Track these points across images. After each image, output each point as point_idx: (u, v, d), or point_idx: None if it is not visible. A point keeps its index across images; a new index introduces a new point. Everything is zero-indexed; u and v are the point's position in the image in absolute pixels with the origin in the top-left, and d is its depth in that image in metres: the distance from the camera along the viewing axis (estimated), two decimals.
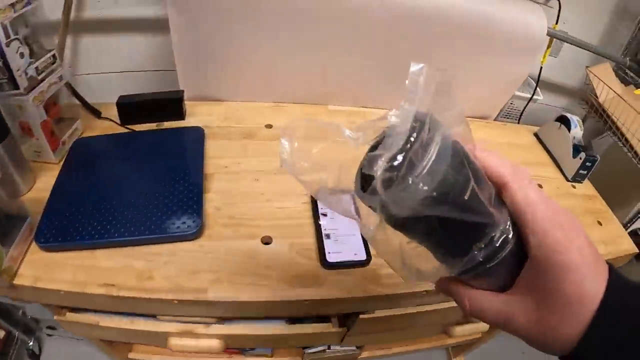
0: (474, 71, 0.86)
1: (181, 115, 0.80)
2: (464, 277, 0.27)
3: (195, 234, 0.56)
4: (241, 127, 0.78)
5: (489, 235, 0.24)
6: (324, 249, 0.56)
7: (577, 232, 0.25)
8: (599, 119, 0.98)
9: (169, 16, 0.71)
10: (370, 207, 0.24)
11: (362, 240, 0.58)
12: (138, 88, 0.90)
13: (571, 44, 0.89)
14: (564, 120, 0.90)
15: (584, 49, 0.91)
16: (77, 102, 0.77)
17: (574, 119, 0.89)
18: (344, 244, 0.57)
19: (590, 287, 0.24)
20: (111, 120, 0.77)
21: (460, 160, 0.23)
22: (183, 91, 0.79)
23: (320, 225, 0.59)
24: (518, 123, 1.04)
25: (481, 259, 0.25)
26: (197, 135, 0.73)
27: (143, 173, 0.64)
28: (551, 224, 0.24)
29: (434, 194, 0.21)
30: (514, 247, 0.25)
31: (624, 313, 0.24)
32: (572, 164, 0.85)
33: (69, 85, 0.73)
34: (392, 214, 0.23)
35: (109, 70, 0.91)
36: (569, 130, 0.88)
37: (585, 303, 0.24)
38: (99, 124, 0.76)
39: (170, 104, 0.78)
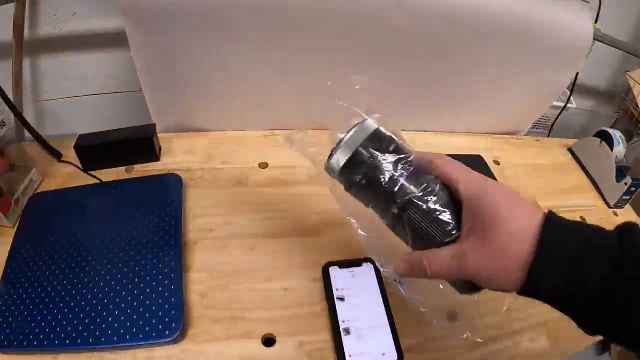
0: (506, 82, 0.71)
1: (155, 156, 0.65)
2: (418, 246, 0.33)
3: (176, 339, 0.43)
4: (229, 168, 0.64)
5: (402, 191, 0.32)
6: (343, 349, 0.44)
7: (497, 183, 0.32)
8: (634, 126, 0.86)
9: (126, 31, 0.55)
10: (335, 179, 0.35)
11: (391, 334, 0.45)
12: (111, 112, 0.76)
13: (611, 45, 0.75)
14: (604, 136, 0.77)
15: (625, 51, 0.77)
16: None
17: (617, 136, 0.77)
18: (369, 341, 0.44)
19: (523, 215, 0.28)
20: (73, 164, 0.62)
21: (377, 140, 0.33)
22: (154, 126, 0.64)
23: (337, 315, 0.46)
24: (549, 135, 0.91)
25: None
26: (174, 186, 0.59)
27: (109, 247, 0.51)
28: (475, 179, 0.32)
29: (345, 161, 0.33)
30: (448, 200, 0.32)
31: (564, 233, 0.27)
32: (615, 189, 0.74)
33: (21, 120, 0.58)
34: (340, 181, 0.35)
35: (76, 93, 0.77)
36: (612, 148, 0.76)
37: (524, 230, 0.28)
38: (60, 169, 0.62)
39: (140, 144, 0.64)
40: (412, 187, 0.32)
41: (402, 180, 0.32)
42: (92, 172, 0.63)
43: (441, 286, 0.35)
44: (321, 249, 0.53)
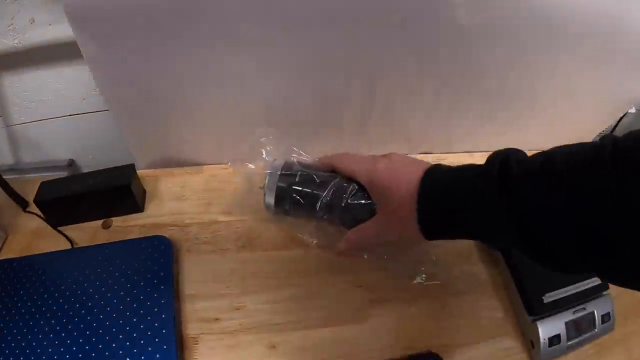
0: (582, 89, 0.59)
1: (136, 207, 0.52)
2: (347, 227, 0.42)
3: None
4: (234, 220, 0.52)
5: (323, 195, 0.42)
6: None
7: (383, 161, 0.38)
8: None
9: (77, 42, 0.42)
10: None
11: None
12: (96, 133, 0.62)
13: None
14: None
15: None
16: None
17: None
18: None
19: (406, 172, 0.35)
20: (40, 216, 0.51)
21: (289, 171, 0.44)
22: (133, 168, 0.51)
23: None
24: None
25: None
26: (162, 253, 0.47)
27: (79, 346, 0.40)
28: (365, 165, 0.40)
29: (273, 200, 0.44)
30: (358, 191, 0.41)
31: (437, 177, 0.34)
32: None
33: None
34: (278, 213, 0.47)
35: (51, 114, 0.63)
36: None
37: (404, 182, 0.35)
38: (26, 222, 0.51)
39: (117, 193, 0.51)
40: (324, 193, 0.42)
41: (315, 192, 0.42)
42: (63, 228, 0.51)
43: None
44: (370, 341, 0.43)
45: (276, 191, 0.43)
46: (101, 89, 0.48)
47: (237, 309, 0.44)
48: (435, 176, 0.34)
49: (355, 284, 0.47)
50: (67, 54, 0.54)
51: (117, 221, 0.52)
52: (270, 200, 0.44)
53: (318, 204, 0.42)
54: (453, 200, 0.31)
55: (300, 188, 0.42)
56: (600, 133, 0.75)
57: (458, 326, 0.44)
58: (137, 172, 0.54)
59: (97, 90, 0.59)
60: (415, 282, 0.44)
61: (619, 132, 0.77)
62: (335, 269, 0.48)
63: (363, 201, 0.40)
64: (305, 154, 0.46)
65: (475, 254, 0.50)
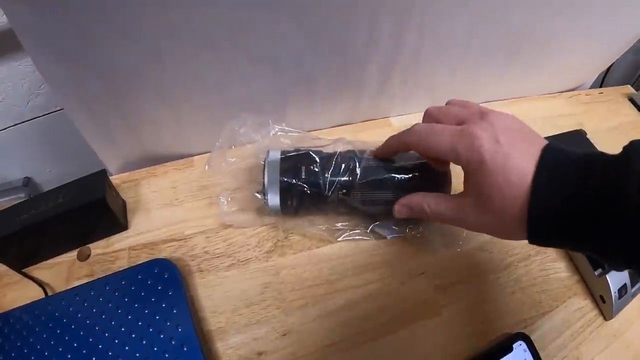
0: (572, 32, 0.51)
1: (117, 224, 0.40)
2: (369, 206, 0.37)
3: None
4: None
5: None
6: None
7: (490, 140, 0.27)
8: None
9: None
10: None
11: None
12: (44, 144, 0.47)
13: None
14: None
15: None
16: None
17: None
18: None
19: (516, 166, 0.26)
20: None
21: (287, 162, 0.36)
22: (104, 175, 0.39)
23: None
24: (602, 83, 0.75)
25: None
26: (169, 282, 0.36)
27: None
28: (465, 145, 0.28)
29: (278, 199, 0.36)
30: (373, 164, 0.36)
31: (558, 175, 0.25)
32: None
33: None
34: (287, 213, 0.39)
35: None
36: None
37: (513, 182, 0.26)
38: None
39: (88, 212, 0.38)
40: (337, 177, 0.35)
41: (327, 177, 0.35)
42: (31, 268, 0.38)
43: None
44: (447, 334, 0.36)
45: (280, 186, 0.35)
46: (47, 78, 0.34)
47: (283, 335, 0.34)
48: (555, 173, 0.25)
49: (416, 272, 0.38)
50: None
51: (97, 248, 0.39)
52: (275, 198, 0.36)
53: (327, 188, 0.35)
54: (577, 210, 0.24)
55: (305, 177, 0.35)
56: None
57: (529, 297, 0.39)
58: (111, 179, 0.41)
59: (43, 87, 0.44)
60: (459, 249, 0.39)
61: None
62: (390, 258, 0.38)
63: (381, 176, 0.35)
64: (296, 130, 0.38)
65: None
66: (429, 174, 0.35)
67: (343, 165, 0.35)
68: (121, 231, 0.40)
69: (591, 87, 0.67)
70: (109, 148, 0.42)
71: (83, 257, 0.39)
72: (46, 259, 0.39)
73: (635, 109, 0.64)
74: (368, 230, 0.39)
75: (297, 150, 0.37)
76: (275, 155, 0.36)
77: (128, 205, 0.41)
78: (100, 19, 0.30)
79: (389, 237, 0.39)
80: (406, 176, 0.35)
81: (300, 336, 0.34)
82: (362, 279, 0.37)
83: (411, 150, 0.33)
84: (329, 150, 0.38)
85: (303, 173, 0.35)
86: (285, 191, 0.35)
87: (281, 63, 0.38)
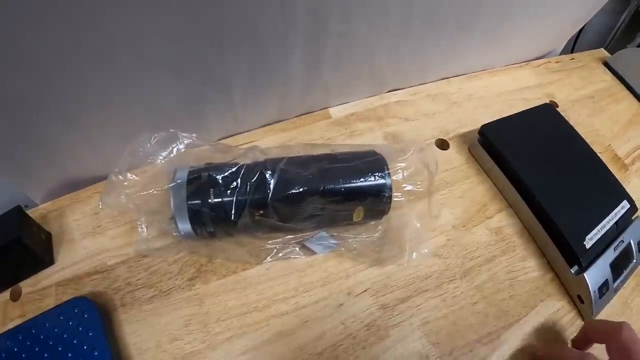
0: None
1: (41, 262, 0.38)
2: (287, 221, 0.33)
3: None
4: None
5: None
6: None
7: None
8: None
9: None
10: None
11: None
12: None
13: None
14: None
15: None
16: None
17: None
18: None
19: None
20: None
21: (195, 184, 0.31)
22: (20, 213, 0.36)
23: None
24: (573, 48, 0.67)
25: None
26: (88, 322, 0.34)
27: None
28: None
29: (188, 225, 0.32)
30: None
31: None
32: None
33: None
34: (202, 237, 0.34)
35: None
36: None
37: None
38: None
39: (8, 253, 0.36)
40: (246, 197, 0.31)
41: (234, 198, 0.31)
42: None
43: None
44: None
45: (188, 212, 0.31)
46: None
47: None
48: None
49: (357, 290, 0.34)
50: None
51: (26, 286, 0.37)
52: (184, 225, 0.32)
53: (235, 212, 0.31)
54: None
55: (212, 200, 0.31)
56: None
57: (494, 306, 0.35)
58: (35, 210, 0.39)
59: None
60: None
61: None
62: (325, 276, 0.34)
63: (300, 188, 0.31)
64: (204, 141, 0.34)
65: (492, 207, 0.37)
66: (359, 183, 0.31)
67: (251, 182, 0.31)
68: (48, 266, 0.38)
69: (561, 54, 0.58)
70: (27, 179, 0.39)
71: (15, 297, 0.38)
72: None
73: (610, 74, 0.55)
74: (298, 248, 0.34)
75: (206, 166, 0.33)
76: (182, 176, 0.32)
77: (54, 237, 0.39)
78: None
79: (321, 253, 0.34)
80: (331, 187, 0.31)
81: None
82: (294, 303, 0.33)
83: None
84: (243, 161, 0.33)
85: (211, 195, 0.31)
86: (195, 217, 0.32)
87: (182, 67, 0.33)
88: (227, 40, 0.33)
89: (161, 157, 0.33)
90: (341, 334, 0.33)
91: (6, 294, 0.38)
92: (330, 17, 0.35)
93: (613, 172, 0.41)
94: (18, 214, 0.36)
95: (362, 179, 0.31)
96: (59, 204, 0.41)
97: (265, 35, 0.34)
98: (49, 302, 0.36)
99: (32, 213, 0.39)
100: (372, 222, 0.35)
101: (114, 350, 0.33)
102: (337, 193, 0.31)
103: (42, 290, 0.37)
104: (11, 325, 0.36)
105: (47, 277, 0.37)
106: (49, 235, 0.39)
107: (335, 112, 0.45)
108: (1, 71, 0.28)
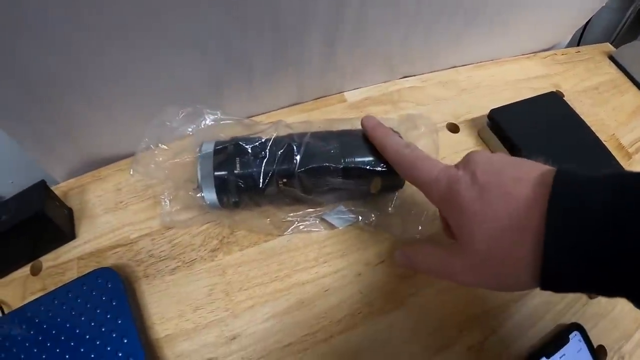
0: None
1: (62, 235, 0.39)
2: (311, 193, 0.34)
3: None
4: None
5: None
6: None
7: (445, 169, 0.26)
8: None
9: None
10: None
11: None
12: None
13: None
14: None
15: None
16: None
17: None
18: None
19: (509, 206, 0.22)
20: None
21: (222, 154, 0.32)
22: (43, 187, 0.37)
23: None
24: (579, 42, 0.70)
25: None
26: (112, 291, 0.34)
27: None
28: (440, 178, 0.26)
29: (214, 195, 0.33)
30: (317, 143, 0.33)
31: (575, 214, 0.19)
32: None
33: None
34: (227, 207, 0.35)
35: None
36: None
37: (506, 218, 0.22)
38: None
39: (31, 226, 0.37)
40: (273, 167, 0.32)
41: (262, 168, 0.32)
42: None
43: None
44: (414, 327, 0.33)
45: (215, 181, 0.32)
46: None
47: (233, 339, 0.32)
48: (574, 203, 0.20)
49: (374, 262, 0.34)
50: None
51: (47, 261, 0.38)
52: (211, 194, 0.33)
53: (263, 180, 0.32)
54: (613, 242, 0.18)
55: (239, 169, 0.32)
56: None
57: None
58: (57, 187, 0.40)
59: None
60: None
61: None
62: (343, 248, 0.35)
63: (323, 162, 0.32)
64: (230, 117, 0.35)
65: None
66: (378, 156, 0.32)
67: (279, 153, 0.32)
68: (69, 241, 0.39)
69: (568, 46, 0.60)
70: (50, 157, 0.40)
71: (36, 271, 0.39)
72: (1, 277, 0.38)
73: (615, 67, 0.57)
74: (317, 221, 0.35)
75: (232, 139, 0.34)
76: (209, 147, 0.33)
77: (75, 213, 0.40)
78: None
79: (340, 226, 0.35)
80: (352, 160, 0.32)
81: (251, 339, 0.32)
82: (314, 273, 0.34)
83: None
84: (267, 135, 0.34)
85: (237, 165, 0.32)
86: (222, 186, 0.33)
87: (205, 46, 0.34)
88: (251, 22, 0.35)
89: (189, 131, 0.34)
90: (359, 302, 0.34)
91: (26, 268, 0.38)
92: (348, 3, 0.36)
93: (617, 159, 0.43)
94: (42, 188, 0.37)
95: (380, 154, 0.33)
96: (81, 181, 0.42)
97: (285, 19, 0.35)
98: (71, 276, 0.37)
99: (54, 190, 0.40)
100: (388, 196, 0.36)
101: (138, 320, 0.33)
102: (358, 166, 0.32)
103: (64, 264, 0.37)
104: (32, 299, 0.37)
105: (68, 252, 0.38)
106: (70, 210, 0.40)
107: (350, 96, 0.47)
108: (25, 48, 0.29)
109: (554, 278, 0.20)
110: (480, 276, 0.24)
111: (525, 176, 0.22)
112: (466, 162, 0.26)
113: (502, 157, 0.25)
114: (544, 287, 0.21)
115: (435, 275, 0.29)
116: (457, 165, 0.27)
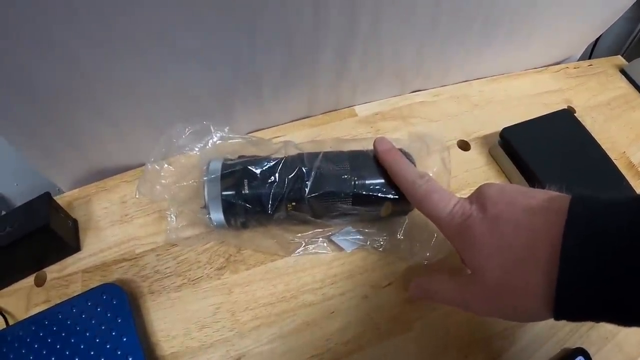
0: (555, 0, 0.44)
1: (67, 247, 0.38)
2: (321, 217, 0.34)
3: None
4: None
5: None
6: None
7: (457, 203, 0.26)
8: None
9: None
10: None
11: None
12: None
13: None
14: None
15: None
16: None
17: None
18: None
19: (523, 235, 0.22)
20: None
21: (228, 175, 0.32)
22: (48, 199, 0.37)
23: None
24: (591, 54, 0.68)
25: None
26: (117, 308, 0.34)
27: None
28: (449, 222, 0.26)
29: (222, 216, 0.32)
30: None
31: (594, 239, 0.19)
32: None
33: None
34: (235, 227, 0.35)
35: None
36: None
37: (519, 249, 0.21)
38: None
39: (36, 239, 0.37)
40: (282, 190, 0.32)
41: (271, 191, 0.32)
42: None
43: None
44: (420, 351, 0.33)
45: (222, 203, 0.32)
46: None
47: (238, 359, 0.32)
48: (590, 230, 0.19)
49: (382, 284, 0.34)
50: None
51: (52, 272, 0.38)
52: (218, 215, 0.32)
53: (271, 205, 0.32)
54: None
55: (247, 192, 0.32)
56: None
57: None
58: (62, 197, 0.39)
59: None
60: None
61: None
62: (350, 269, 0.35)
63: (334, 187, 0.31)
64: (238, 135, 0.35)
65: None
66: (390, 181, 0.32)
67: (289, 177, 0.32)
68: (74, 253, 0.38)
69: (579, 60, 0.59)
70: (54, 167, 0.40)
71: (40, 282, 0.38)
72: (4, 287, 0.38)
73: (627, 82, 0.56)
74: (325, 244, 0.35)
75: (241, 158, 0.33)
76: (216, 166, 0.33)
77: (80, 224, 0.40)
78: (6, 35, 0.26)
79: (348, 250, 0.35)
80: (364, 185, 0.32)
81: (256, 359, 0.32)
82: (321, 294, 0.34)
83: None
84: (277, 155, 0.33)
85: (246, 187, 0.32)
86: (229, 209, 0.32)
87: (214, 60, 0.34)
88: (260, 37, 0.34)
89: (196, 149, 0.34)
90: (366, 325, 0.33)
91: (30, 279, 0.38)
92: (362, 19, 0.36)
93: (627, 179, 0.43)
94: (47, 200, 0.37)
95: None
96: (86, 191, 0.41)
97: (296, 33, 0.35)
98: (75, 289, 0.37)
99: (58, 200, 0.39)
100: (398, 219, 0.36)
101: (143, 337, 0.33)
102: (369, 192, 0.32)
103: (68, 277, 0.37)
104: (35, 310, 0.37)
105: (73, 264, 0.38)
106: (75, 222, 0.40)
107: (361, 110, 0.46)
108: (34, 60, 0.29)
109: (568, 306, 0.20)
110: (493, 307, 0.24)
111: (537, 205, 0.22)
112: (478, 195, 0.26)
113: (514, 188, 0.25)
114: (558, 316, 0.21)
115: (449, 305, 0.28)
116: (469, 198, 0.27)
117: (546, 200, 0.22)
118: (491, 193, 0.25)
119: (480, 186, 0.26)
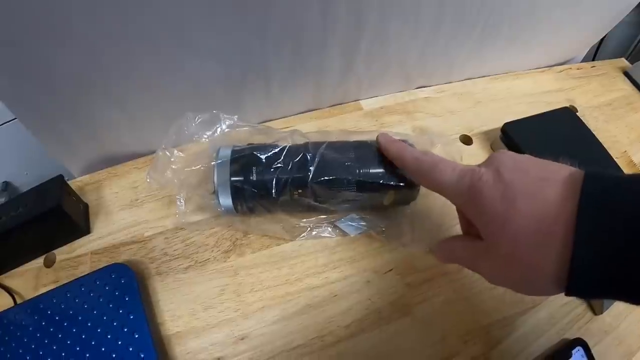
0: (558, 2, 0.46)
1: (78, 230, 0.39)
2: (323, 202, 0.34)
3: None
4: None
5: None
6: None
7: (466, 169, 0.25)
8: None
9: None
10: None
11: None
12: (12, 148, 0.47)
13: None
14: None
15: None
16: None
17: None
18: None
19: (534, 205, 0.21)
20: None
21: (238, 161, 0.33)
22: (61, 182, 0.38)
23: None
24: (595, 56, 0.70)
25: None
26: (125, 287, 0.35)
27: None
28: (458, 182, 0.25)
29: (230, 201, 0.33)
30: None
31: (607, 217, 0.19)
32: None
33: None
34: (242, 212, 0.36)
35: None
36: None
37: (531, 216, 0.21)
38: None
39: (47, 220, 0.38)
40: (287, 176, 0.33)
41: (276, 177, 0.32)
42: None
43: None
44: (421, 337, 0.33)
45: (231, 188, 0.33)
46: None
47: (241, 339, 0.33)
48: (607, 202, 0.19)
49: (384, 269, 0.35)
50: None
51: (61, 253, 0.39)
52: (226, 200, 0.33)
53: (276, 190, 0.33)
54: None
55: (255, 177, 0.33)
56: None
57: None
58: (73, 182, 0.40)
59: None
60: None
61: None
62: (353, 255, 0.36)
63: (338, 174, 0.32)
64: (247, 123, 0.35)
65: None
66: (393, 171, 0.33)
67: (293, 163, 0.33)
68: (83, 235, 0.39)
69: (583, 61, 0.60)
70: (68, 153, 0.41)
71: (49, 263, 0.39)
72: (15, 267, 0.39)
73: (630, 84, 0.57)
74: (330, 228, 0.36)
75: (249, 146, 0.34)
76: (226, 153, 0.34)
77: (90, 209, 0.41)
78: (29, 27, 0.28)
79: (352, 234, 0.36)
80: (367, 173, 0.33)
81: (259, 340, 0.33)
82: (324, 278, 0.35)
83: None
84: (283, 143, 0.34)
85: (254, 174, 0.33)
86: (237, 193, 0.33)
87: (225, 55, 0.35)
88: (271, 34, 0.35)
89: (205, 137, 0.35)
90: (367, 309, 0.34)
91: (40, 259, 0.39)
92: (369, 16, 0.37)
93: None
94: (59, 183, 0.38)
95: (396, 168, 0.33)
96: (97, 177, 0.42)
97: (304, 30, 0.36)
98: (84, 269, 0.37)
99: (70, 184, 0.41)
100: (400, 207, 0.37)
101: (149, 316, 0.34)
102: (372, 180, 0.33)
103: (77, 258, 0.38)
104: (44, 290, 0.38)
105: (82, 246, 0.39)
106: (86, 205, 0.41)
107: (366, 104, 0.47)
108: (53, 48, 0.30)
109: (582, 282, 0.19)
110: (505, 278, 0.23)
111: (552, 176, 0.22)
112: (490, 160, 0.25)
113: (528, 158, 0.24)
114: (570, 292, 0.20)
115: (466, 267, 0.28)
116: (479, 165, 0.26)
117: (560, 173, 0.22)
118: (504, 159, 0.24)
119: (492, 153, 0.26)
